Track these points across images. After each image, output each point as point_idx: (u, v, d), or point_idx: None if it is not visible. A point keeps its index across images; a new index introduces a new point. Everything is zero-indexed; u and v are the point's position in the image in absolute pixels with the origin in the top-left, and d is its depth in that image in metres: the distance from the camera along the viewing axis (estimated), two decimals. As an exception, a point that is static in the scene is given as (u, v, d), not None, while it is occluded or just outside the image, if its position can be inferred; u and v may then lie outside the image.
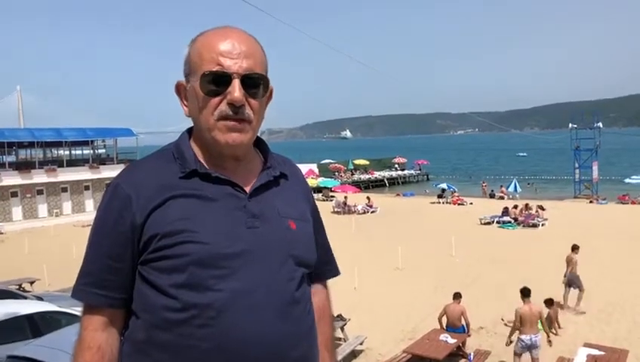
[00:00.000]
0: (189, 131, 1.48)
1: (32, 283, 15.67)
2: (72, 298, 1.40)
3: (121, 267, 1.35)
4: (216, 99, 1.33)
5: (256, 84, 1.36)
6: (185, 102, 1.43)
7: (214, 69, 1.32)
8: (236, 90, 1.32)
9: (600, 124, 41.44)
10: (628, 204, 34.06)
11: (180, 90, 1.44)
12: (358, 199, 36.06)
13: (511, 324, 10.72)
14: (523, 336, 8.83)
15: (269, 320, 1.31)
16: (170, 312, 1.28)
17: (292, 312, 1.36)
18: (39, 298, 11.31)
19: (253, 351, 1.28)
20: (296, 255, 1.41)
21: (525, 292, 9.19)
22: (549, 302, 11.05)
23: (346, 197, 35.05)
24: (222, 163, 1.41)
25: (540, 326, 9.10)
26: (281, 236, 1.40)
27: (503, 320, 11.50)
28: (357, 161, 61.93)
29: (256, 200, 1.40)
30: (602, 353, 8.46)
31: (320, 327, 1.55)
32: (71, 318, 8.64)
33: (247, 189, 1.41)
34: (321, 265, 1.60)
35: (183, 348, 1.28)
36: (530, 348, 8.81)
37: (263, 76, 1.38)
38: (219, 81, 1.33)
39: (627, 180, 40.67)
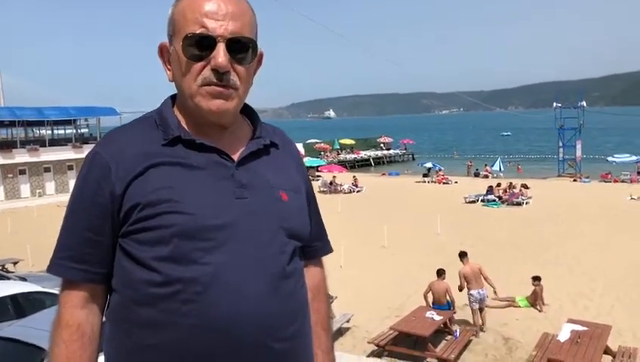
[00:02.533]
0: (173, 98, 1.39)
1: (15, 263, 15.53)
2: (48, 273, 1.31)
3: (101, 240, 1.26)
4: (200, 64, 1.24)
5: (243, 48, 1.26)
6: (168, 66, 1.34)
7: (197, 32, 1.23)
8: (220, 54, 1.22)
9: (584, 103, 41.71)
10: (610, 182, 34.51)
11: (163, 52, 1.34)
12: (344, 179, 36.09)
13: (499, 300, 11.18)
14: (472, 291, 10.07)
15: (259, 296, 1.23)
16: (153, 287, 1.21)
17: (283, 287, 1.29)
18: (23, 278, 11.20)
19: (240, 328, 1.21)
20: (288, 227, 1.33)
21: (462, 254, 10.70)
22: (535, 279, 11.17)
23: (334, 177, 35.11)
24: (207, 130, 1.32)
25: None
26: (271, 207, 1.32)
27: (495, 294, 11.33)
28: (343, 141, 61.95)
29: (244, 169, 1.32)
30: (586, 328, 8.58)
31: (315, 305, 1.48)
32: (55, 299, 8.51)
33: (235, 158, 1.32)
34: (314, 241, 1.51)
35: (166, 325, 1.20)
36: (481, 301, 10.07)
37: (251, 40, 1.28)
38: (202, 45, 1.23)
39: (610, 159, 41.07)
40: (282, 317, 1.28)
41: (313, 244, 1.52)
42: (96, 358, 1.31)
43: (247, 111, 1.45)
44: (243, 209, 1.27)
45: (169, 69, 1.34)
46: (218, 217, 1.24)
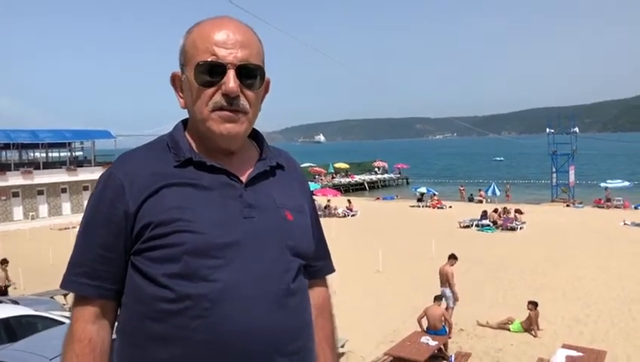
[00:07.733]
0: (184, 122, 1.45)
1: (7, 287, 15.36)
2: (62, 288, 1.36)
3: (114, 257, 1.31)
4: (211, 90, 1.31)
5: (252, 74, 1.33)
6: (180, 94, 1.41)
7: (209, 59, 1.30)
8: (231, 80, 1.29)
9: (576, 129, 42.08)
10: (603, 207, 34.67)
11: (175, 81, 1.42)
12: (338, 202, 36.11)
13: (488, 325, 11.41)
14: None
15: (265, 312, 1.28)
16: (164, 303, 1.25)
17: (288, 304, 1.33)
18: (15, 302, 11.10)
19: (247, 343, 1.25)
20: (293, 246, 1.38)
21: (450, 256, 12.23)
22: (532, 304, 11.16)
23: (329, 201, 35.10)
24: (217, 153, 1.38)
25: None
26: (277, 226, 1.37)
27: (479, 323, 11.60)
28: (337, 165, 62.07)
29: (252, 189, 1.38)
30: (581, 354, 8.56)
31: (320, 322, 1.53)
32: (47, 322, 8.48)
33: (243, 179, 1.38)
34: (317, 260, 1.56)
35: (176, 340, 1.25)
36: (442, 297, 11.18)
37: (259, 67, 1.35)
38: (213, 72, 1.30)
39: (602, 184, 41.29)
40: (287, 333, 1.32)
41: (316, 264, 1.56)
42: None
43: (254, 134, 1.51)
44: (251, 228, 1.32)
45: (181, 97, 1.40)
46: (227, 236, 1.29)
